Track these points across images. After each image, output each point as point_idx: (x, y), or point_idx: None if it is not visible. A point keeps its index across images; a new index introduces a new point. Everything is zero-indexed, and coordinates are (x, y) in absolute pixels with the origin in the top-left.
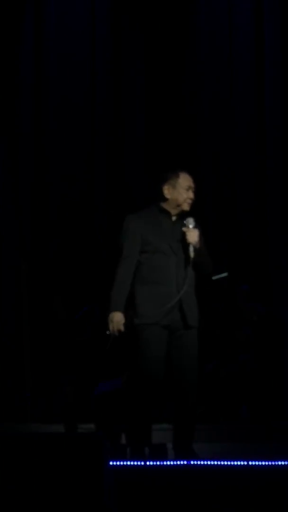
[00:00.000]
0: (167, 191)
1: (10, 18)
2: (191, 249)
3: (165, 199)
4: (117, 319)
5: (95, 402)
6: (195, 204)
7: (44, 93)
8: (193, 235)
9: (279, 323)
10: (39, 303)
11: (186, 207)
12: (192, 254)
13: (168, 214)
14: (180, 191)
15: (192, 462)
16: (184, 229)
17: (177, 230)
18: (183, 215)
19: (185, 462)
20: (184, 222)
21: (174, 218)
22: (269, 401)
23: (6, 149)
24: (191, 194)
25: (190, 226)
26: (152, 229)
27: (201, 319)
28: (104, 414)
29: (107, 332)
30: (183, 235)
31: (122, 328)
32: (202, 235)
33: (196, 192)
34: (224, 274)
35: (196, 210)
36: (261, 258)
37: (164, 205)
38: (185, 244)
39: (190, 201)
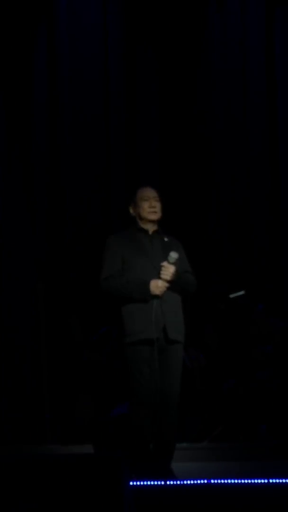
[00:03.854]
0: (132, 210)
1: (24, 38)
2: (160, 283)
3: (134, 218)
4: (153, 282)
5: (113, 423)
6: (209, 220)
7: (58, 111)
8: (167, 272)
9: None
10: (56, 324)
11: (151, 216)
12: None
13: (145, 231)
14: (140, 204)
15: (212, 481)
16: (163, 263)
17: (156, 245)
18: (161, 231)
19: (205, 481)
20: (168, 256)
21: (151, 234)
22: None
23: (21, 169)
24: (152, 203)
25: (171, 262)
26: (132, 247)
27: (188, 335)
28: (122, 435)
29: None
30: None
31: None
32: (183, 260)
33: (208, 207)
34: (241, 292)
35: (211, 228)
36: (277, 274)
37: (139, 224)
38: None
39: (152, 209)
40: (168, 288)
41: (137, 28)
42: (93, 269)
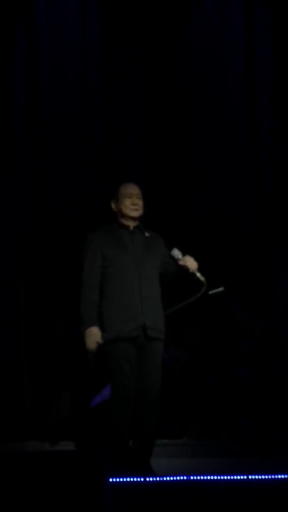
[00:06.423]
0: (113, 205)
1: (3, 32)
2: (198, 274)
3: (116, 214)
4: (94, 332)
5: (93, 420)
6: (189, 217)
7: (38, 106)
8: (191, 262)
9: (277, 336)
10: (37, 322)
11: (132, 213)
12: (202, 278)
13: (126, 227)
14: (122, 200)
15: (191, 478)
16: (180, 262)
17: (137, 241)
18: (142, 227)
19: (185, 478)
20: (172, 254)
21: (132, 231)
22: (268, 415)
23: (1, 166)
24: (135, 200)
25: (180, 257)
26: (112, 244)
27: (167, 332)
28: (102, 432)
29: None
30: (183, 268)
31: (100, 341)
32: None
33: (195, 204)
34: (221, 289)
35: (191, 225)
36: (257, 271)
37: (120, 220)
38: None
39: (134, 207)
40: (153, 280)
41: (117, 21)
42: (75, 267)
